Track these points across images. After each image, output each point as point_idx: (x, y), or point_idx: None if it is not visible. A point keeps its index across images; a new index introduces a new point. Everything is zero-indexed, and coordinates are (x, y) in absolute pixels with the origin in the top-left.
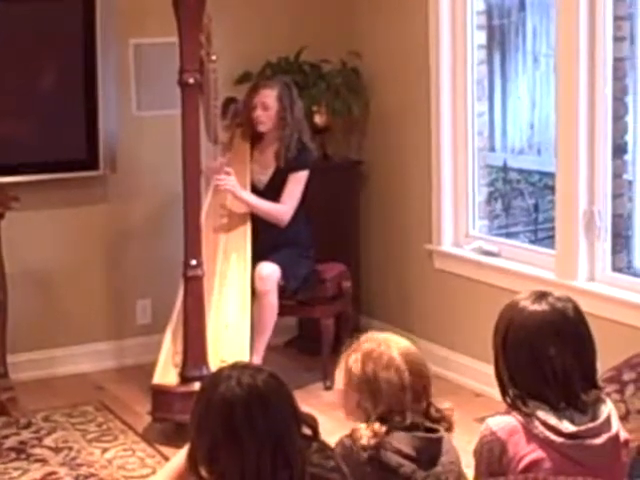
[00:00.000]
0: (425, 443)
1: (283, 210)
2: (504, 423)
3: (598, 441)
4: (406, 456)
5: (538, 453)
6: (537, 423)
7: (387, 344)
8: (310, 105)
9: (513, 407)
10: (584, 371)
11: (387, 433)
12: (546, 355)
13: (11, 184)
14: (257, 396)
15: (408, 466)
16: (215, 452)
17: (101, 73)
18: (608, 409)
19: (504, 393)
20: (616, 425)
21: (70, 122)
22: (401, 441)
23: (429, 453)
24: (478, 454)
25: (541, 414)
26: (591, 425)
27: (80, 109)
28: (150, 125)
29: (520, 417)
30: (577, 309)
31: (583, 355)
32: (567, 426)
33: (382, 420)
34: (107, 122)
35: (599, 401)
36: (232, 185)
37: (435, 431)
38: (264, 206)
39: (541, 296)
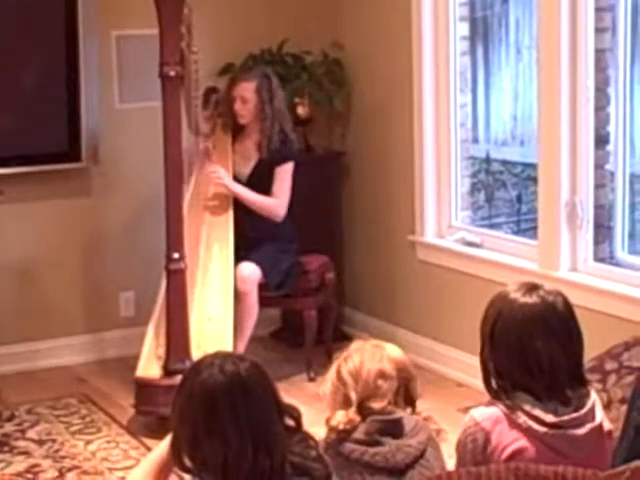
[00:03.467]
0: (380, 425)
1: (277, 204)
2: (488, 414)
3: (581, 431)
4: (357, 441)
5: (521, 442)
6: (520, 413)
7: (378, 345)
8: (292, 97)
9: (496, 397)
10: (570, 365)
11: (362, 421)
12: (533, 347)
13: None
14: (239, 384)
15: (357, 449)
16: (197, 439)
17: (83, 65)
18: (592, 400)
19: (487, 383)
20: (600, 415)
21: (52, 114)
22: (359, 429)
23: (385, 434)
24: (462, 445)
25: (525, 406)
26: (574, 415)
27: (62, 101)
28: (132, 117)
29: (503, 407)
30: (567, 303)
31: (570, 349)
32: (549, 417)
33: (360, 409)
34: (89, 114)
35: (584, 395)
36: (225, 178)
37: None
38: (260, 200)
39: (532, 289)
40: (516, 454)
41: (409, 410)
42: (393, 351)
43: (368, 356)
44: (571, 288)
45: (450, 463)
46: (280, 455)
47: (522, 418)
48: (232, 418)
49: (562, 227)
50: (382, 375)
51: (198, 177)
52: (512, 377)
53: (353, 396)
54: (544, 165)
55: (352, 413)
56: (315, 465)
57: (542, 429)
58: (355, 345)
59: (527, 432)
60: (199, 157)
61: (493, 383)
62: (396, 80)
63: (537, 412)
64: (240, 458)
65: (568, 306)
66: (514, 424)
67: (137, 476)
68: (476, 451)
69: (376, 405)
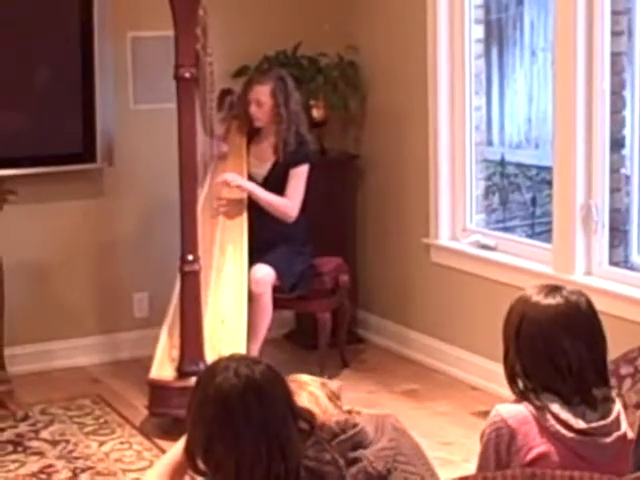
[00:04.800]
0: (348, 443)
1: (291, 205)
2: (515, 412)
3: (608, 440)
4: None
5: (547, 446)
6: (549, 416)
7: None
8: (307, 99)
9: (523, 398)
10: (597, 365)
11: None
12: (561, 348)
13: (8, 177)
14: (254, 387)
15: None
16: (211, 443)
17: (98, 66)
18: (617, 408)
19: (513, 385)
20: (624, 425)
21: (67, 115)
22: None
23: (357, 448)
24: (486, 438)
25: (554, 407)
26: (602, 423)
27: (77, 102)
28: (147, 118)
29: (532, 408)
30: (590, 303)
31: (596, 349)
32: (579, 422)
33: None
34: (104, 115)
35: (609, 399)
36: (238, 179)
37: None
38: (272, 199)
39: (554, 290)
40: (541, 457)
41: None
42: (295, 377)
43: None
44: (586, 292)
45: (469, 468)
46: (294, 459)
47: (550, 422)
48: (246, 422)
49: (577, 231)
50: (311, 394)
51: (212, 179)
52: (541, 379)
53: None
54: (559, 168)
55: None
56: (329, 469)
57: (570, 434)
58: None
59: (554, 436)
60: (214, 159)
61: (520, 385)
62: (411, 83)
63: (566, 416)
64: (254, 462)
65: (591, 306)
66: (541, 427)
67: (151, 477)
68: (500, 446)
69: (326, 418)
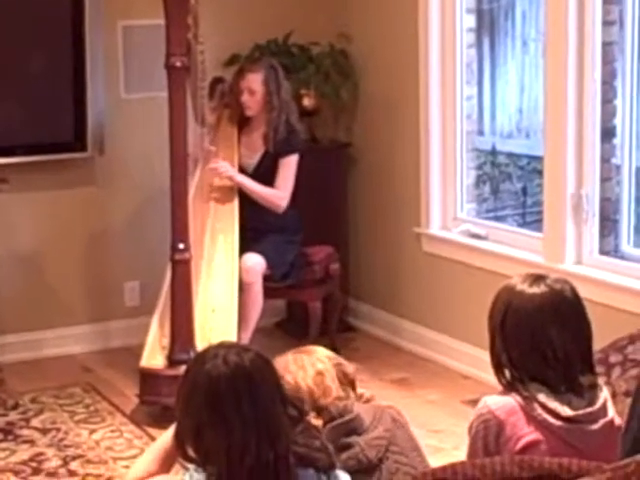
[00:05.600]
0: (341, 428)
1: (280, 195)
2: (503, 403)
3: (595, 427)
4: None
5: (535, 435)
6: (536, 405)
7: (298, 351)
8: (299, 88)
9: (510, 388)
10: (582, 353)
11: (324, 425)
12: (547, 337)
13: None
14: (243, 374)
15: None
16: (201, 430)
17: (89, 55)
18: (604, 395)
19: (499, 375)
20: (612, 411)
21: (58, 104)
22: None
23: (350, 435)
24: (474, 431)
25: (541, 397)
26: (589, 410)
27: (68, 91)
28: (138, 107)
29: (519, 398)
30: (574, 291)
31: (581, 337)
32: (566, 410)
33: (317, 412)
34: (95, 104)
35: (596, 386)
36: (229, 170)
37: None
38: (262, 191)
39: (538, 278)
40: (529, 446)
41: (353, 395)
42: (313, 350)
43: (296, 367)
44: (576, 281)
45: (459, 455)
46: (284, 446)
47: (537, 410)
48: (236, 409)
49: (568, 220)
50: (318, 373)
51: (203, 168)
52: (527, 368)
53: (306, 407)
54: (550, 158)
55: (313, 420)
56: (319, 455)
57: (557, 423)
58: (279, 364)
59: (542, 425)
60: (204, 150)
61: (507, 374)
62: (403, 72)
63: (553, 405)
64: (244, 449)
65: (576, 293)
66: (529, 416)
67: (141, 465)
68: (488, 438)
69: (327, 400)
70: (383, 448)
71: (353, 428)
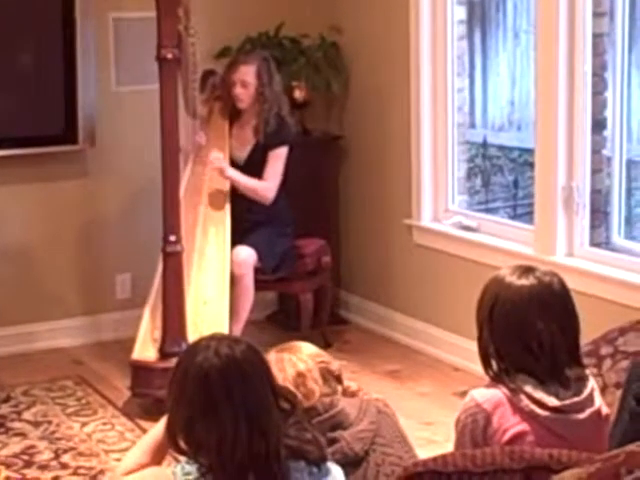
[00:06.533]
0: (326, 423)
1: (267, 188)
2: (489, 395)
3: (581, 416)
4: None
5: (522, 426)
6: (522, 396)
7: (281, 350)
8: (290, 80)
9: (497, 380)
10: (569, 346)
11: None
12: (534, 329)
13: None
14: (234, 366)
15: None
16: (192, 422)
17: (80, 47)
18: (591, 385)
19: (487, 367)
20: (598, 401)
21: (49, 96)
22: None
23: (336, 429)
24: (461, 425)
25: (527, 388)
26: (576, 399)
27: (59, 83)
28: (129, 100)
29: (506, 390)
30: (562, 283)
31: (568, 330)
32: (552, 400)
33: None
34: (86, 96)
35: (582, 378)
36: (220, 163)
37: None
38: (249, 184)
39: (527, 270)
40: (517, 437)
41: (340, 388)
42: (297, 347)
43: (278, 368)
44: (567, 273)
45: (448, 446)
46: (275, 438)
47: (524, 402)
48: (227, 401)
49: (558, 212)
50: (299, 375)
51: (195, 161)
52: (513, 359)
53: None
54: (541, 150)
55: None
56: (310, 448)
57: (544, 413)
58: None
59: (529, 416)
60: (195, 142)
61: (494, 366)
62: (394, 64)
63: (539, 395)
64: (235, 441)
65: (564, 286)
66: (516, 407)
67: (133, 457)
68: (475, 432)
69: (310, 402)
70: (369, 441)
71: (338, 422)
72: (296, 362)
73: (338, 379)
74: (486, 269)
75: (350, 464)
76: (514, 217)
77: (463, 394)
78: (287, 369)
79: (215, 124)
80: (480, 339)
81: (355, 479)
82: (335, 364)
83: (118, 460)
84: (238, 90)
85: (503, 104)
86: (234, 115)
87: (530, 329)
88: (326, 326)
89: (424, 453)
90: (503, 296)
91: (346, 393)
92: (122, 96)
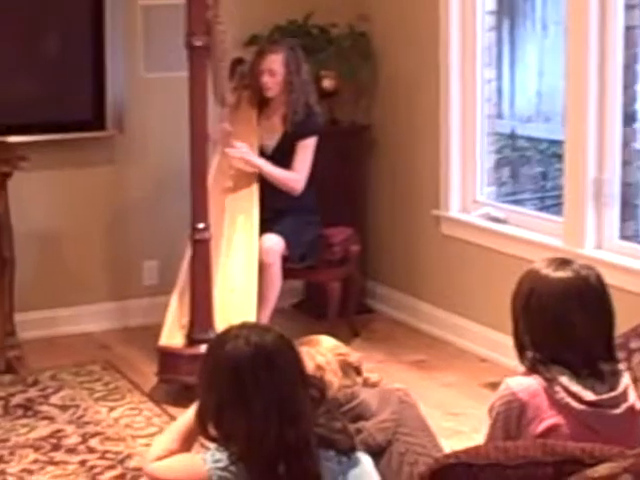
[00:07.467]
0: (347, 415)
1: (296, 178)
2: (526, 384)
3: (617, 411)
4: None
5: (557, 418)
6: (559, 388)
7: (300, 344)
8: (318, 69)
9: (533, 370)
10: (604, 340)
11: None
12: (570, 321)
13: (19, 144)
14: (264, 355)
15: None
16: (222, 409)
17: (109, 34)
18: (625, 380)
19: (522, 357)
20: (633, 396)
21: (78, 82)
22: None
23: (357, 420)
24: (495, 412)
25: (564, 380)
26: (612, 394)
27: (88, 69)
28: (157, 87)
29: (541, 380)
30: (599, 278)
31: (604, 324)
32: (588, 394)
33: None
34: (114, 83)
35: (617, 373)
36: (246, 152)
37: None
38: (278, 174)
39: (563, 263)
40: (551, 429)
41: (360, 380)
42: (317, 341)
43: None
44: (596, 265)
45: (477, 438)
46: (305, 426)
47: (560, 394)
48: (257, 389)
49: (588, 204)
50: (318, 368)
51: (222, 149)
52: (549, 350)
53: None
54: (571, 142)
55: None
56: (340, 437)
57: (580, 407)
58: None
59: (564, 408)
60: (223, 130)
61: (529, 355)
62: (423, 53)
63: (576, 389)
64: (264, 429)
65: (601, 280)
66: (551, 399)
67: (162, 444)
68: (509, 420)
69: (329, 394)
70: (391, 431)
71: (360, 413)
72: (315, 355)
73: (358, 371)
74: (514, 261)
75: (373, 454)
76: (541, 209)
77: (490, 385)
78: (306, 362)
79: (243, 113)
80: (516, 330)
81: (379, 469)
82: (354, 356)
83: (145, 445)
84: (266, 79)
85: (531, 95)
86: (262, 104)
87: (566, 322)
88: (353, 315)
89: (449, 444)
90: (539, 288)
91: (367, 384)
92: (150, 83)
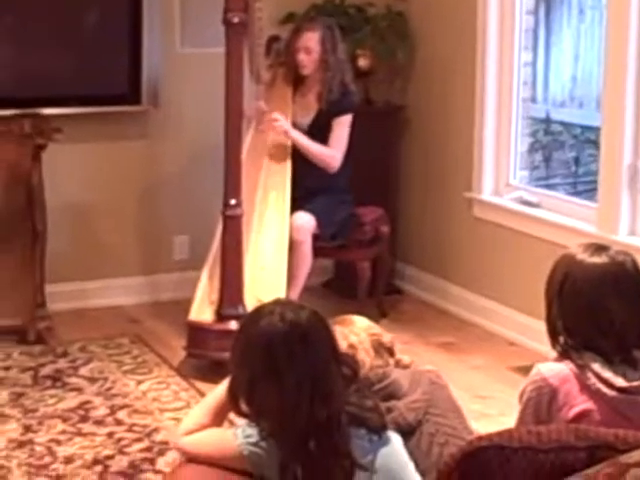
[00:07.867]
0: (379, 394)
1: (333, 154)
2: (557, 370)
3: None
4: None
5: (588, 404)
6: (590, 374)
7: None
8: (354, 48)
9: (565, 356)
10: (638, 327)
11: None
12: (604, 307)
13: (54, 116)
14: (298, 332)
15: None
16: (255, 385)
17: (146, 9)
18: None
19: (554, 342)
20: None
21: (114, 56)
22: None
23: (389, 399)
24: (526, 397)
25: (596, 366)
26: None
27: (124, 43)
28: (193, 62)
29: (573, 366)
30: (636, 264)
31: (638, 311)
32: (620, 381)
33: None
34: (150, 57)
35: None
36: (285, 123)
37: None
38: (315, 149)
39: (599, 249)
40: (582, 415)
41: (392, 360)
42: (351, 320)
43: None
44: (629, 252)
45: (507, 422)
46: (337, 404)
47: (591, 380)
48: (290, 366)
49: (623, 191)
50: (351, 347)
51: (257, 126)
52: (582, 336)
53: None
54: (607, 128)
55: None
56: (371, 415)
57: (611, 393)
58: None
59: (595, 394)
60: (258, 107)
61: (562, 341)
62: (460, 35)
63: (607, 375)
64: (296, 406)
65: (637, 266)
66: (583, 385)
67: (194, 418)
68: (540, 405)
69: (361, 373)
70: (422, 411)
71: (391, 393)
72: (348, 334)
73: (390, 351)
74: (546, 245)
75: (403, 434)
76: (573, 194)
77: (518, 369)
78: (339, 341)
79: (279, 90)
80: (549, 314)
81: (408, 448)
82: (387, 337)
83: (172, 419)
84: (302, 56)
85: (565, 80)
86: (298, 82)
87: (601, 308)
88: (382, 296)
89: (476, 426)
90: (574, 273)
91: (399, 365)
92: (187, 58)
